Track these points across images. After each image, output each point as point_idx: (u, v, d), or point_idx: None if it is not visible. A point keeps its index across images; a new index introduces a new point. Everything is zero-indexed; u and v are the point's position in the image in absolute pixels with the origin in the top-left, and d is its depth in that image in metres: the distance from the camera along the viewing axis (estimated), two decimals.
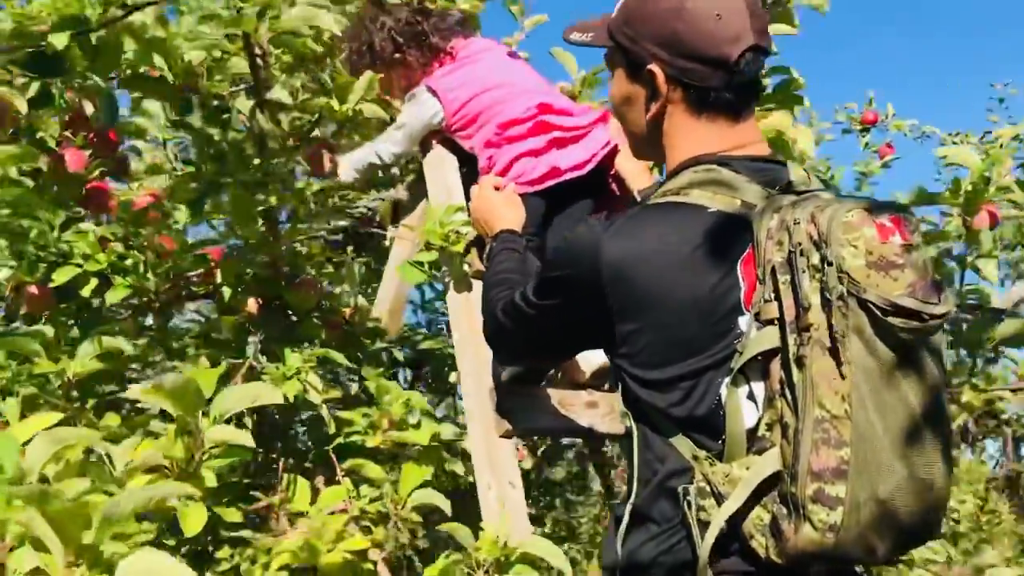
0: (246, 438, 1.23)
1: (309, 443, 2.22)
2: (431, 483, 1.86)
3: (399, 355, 2.42)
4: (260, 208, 1.77)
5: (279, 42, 1.55)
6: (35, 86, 1.47)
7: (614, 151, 2.12)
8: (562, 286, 1.27)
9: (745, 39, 1.22)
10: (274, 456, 1.96)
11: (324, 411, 1.85)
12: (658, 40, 1.25)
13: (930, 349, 1.07)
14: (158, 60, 1.49)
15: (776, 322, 1.08)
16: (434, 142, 2.33)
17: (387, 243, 2.53)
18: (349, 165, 2.17)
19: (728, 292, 1.14)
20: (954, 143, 4.70)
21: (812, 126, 4.64)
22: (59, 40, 1.24)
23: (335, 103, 1.72)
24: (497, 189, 1.80)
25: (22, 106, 1.47)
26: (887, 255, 1.04)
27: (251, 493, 1.80)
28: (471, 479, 1.97)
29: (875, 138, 4.96)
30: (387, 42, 2.14)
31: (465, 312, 2.04)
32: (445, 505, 1.80)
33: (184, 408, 1.20)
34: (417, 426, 1.89)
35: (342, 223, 3.01)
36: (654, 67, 1.26)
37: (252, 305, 2.13)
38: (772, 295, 1.09)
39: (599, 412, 2.00)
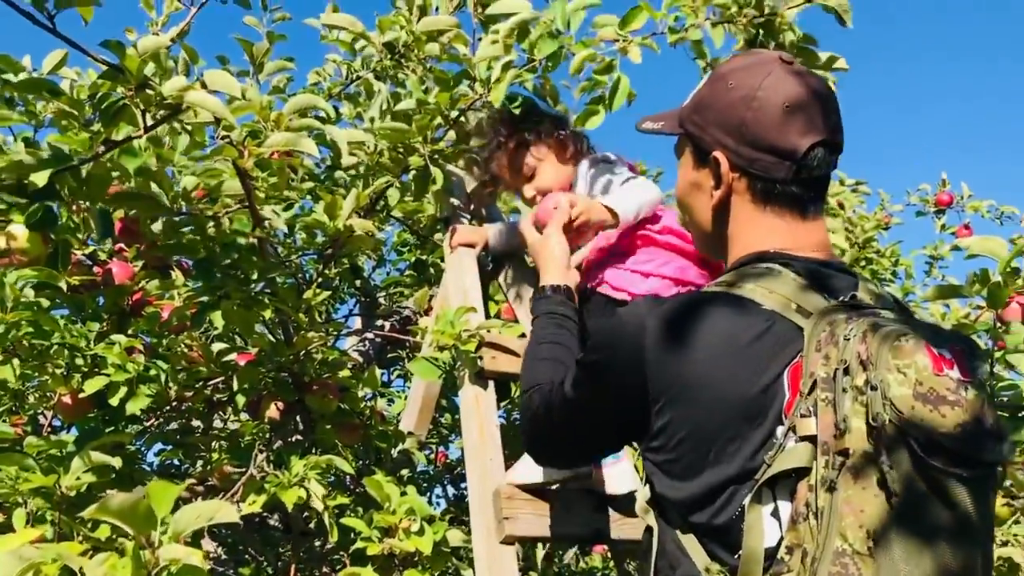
0: (197, 558, 1.26)
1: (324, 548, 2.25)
2: None
3: (421, 456, 2.44)
4: (268, 318, 1.84)
5: (266, 165, 1.63)
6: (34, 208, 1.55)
7: None
8: (602, 370, 1.23)
9: (815, 133, 1.21)
10: (299, 555, 1.99)
11: (327, 518, 1.88)
12: (725, 128, 1.26)
13: (976, 495, 0.98)
14: (153, 187, 1.59)
15: (810, 440, 1.02)
16: (454, 246, 2.38)
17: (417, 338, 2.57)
18: (627, 205, 1.98)
19: (773, 399, 1.08)
20: None
21: (882, 208, 4.53)
22: (39, 179, 1.34)
23: (325, 218, 1.79)
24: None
25: (19, 233, 1.57)
26: (938, 389, 0.96)
27: None
28: None
29: (952, 220, 4.80)
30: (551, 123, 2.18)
31: (476, 415, 2.05)
32: None
33: (135, 527, 1.23)
34: (420, 533, 1.90)
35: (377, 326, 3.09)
36: (719, 154, 1.26)
37: (273, 410, 2.19)
38: (811, 410, 1.03)
39: (606, 518, 1.96)
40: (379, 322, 3.17)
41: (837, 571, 0.94)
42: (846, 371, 1.01)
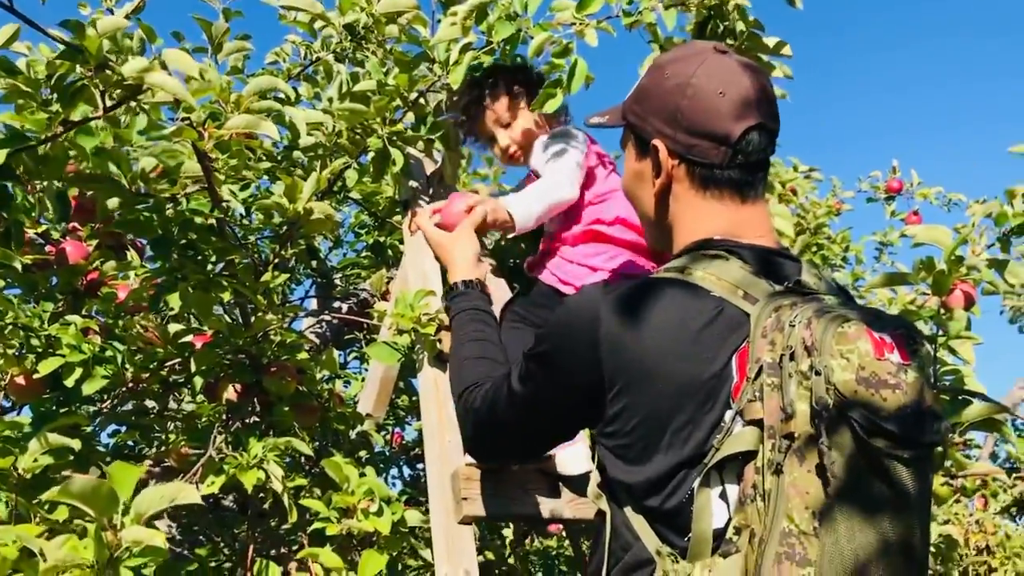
0: (160, 540, 1.26)
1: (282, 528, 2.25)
2: (393, 570, 1.88)
3: (378, 438, 2.45)
4: (226, 300, 1.84)
5: (226, 147, 1.62)
6: None
7: None
8: (554, 360, 1.24)
9: (750, 117, 1.24)
10: (255, 536, 2.00)
11: (286, 499, 1.89)
12: (663, 116, 1.28)
13: (916, 474, 1.00)
14: (111, 167, 1.58)
15: (757, 424, 1.04)
16: (413, 229, 2.39)
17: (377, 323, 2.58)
18: (528, 210, 1.99)
19: (723, 383, 1.10)
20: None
21: (834, 195, 4.61)
22: None
23: (284, 201, 1.79)
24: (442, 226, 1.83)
25: None
26: (879, 373, 0.99)
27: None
28: None
29: (902, 206, 4.91)
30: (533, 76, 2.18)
31: (435, 398, 2.06)
32: None
33: (97, 510, 1.24)
34: (379, 513, 1.91)
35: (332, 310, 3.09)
36: (658, 142, 1.29)
37: (231, 392, 2.18)
38: (757, 395, 1.05)
39: (563, 498, 1.99)
40: (336, 304, 3.17)
41: (784, 551, 0.97)
42: (791, 356, 1.03)
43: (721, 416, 1.10)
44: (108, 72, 1.42)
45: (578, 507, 2.00)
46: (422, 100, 2.33)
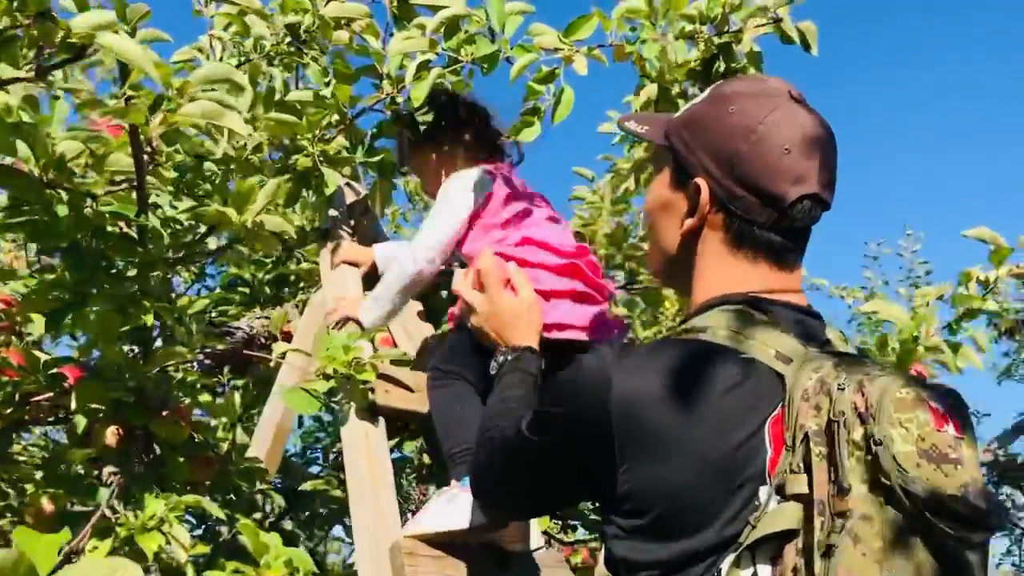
0: None
1: None
2: None
3: (277, 498, 2.14)
4: (129, 327, 1.51)
5: (172, 139, 1.34)
6: None
7: None
8: (563, 424, 1.09)
9: (808, 184, 1.10)
10: None
11: (189, 570, 1.56)
12: (715, 155, 1.13)
13: (982, 560, 0.93)
14: (22, 148, 1.25)
15: (799, 498, 0.93)
16: (337, 263, 2.13)
17: (272, 365, 2.27)
18: (371, 316, 1.99)
19: (754, 455, 0.98)
20: (841, 296, 4.79)
21: None
22: None
23: (231, 212, 1.49)
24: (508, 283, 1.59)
25: None
26: (940, 446, 0.90)
27: None
28: None
29: None
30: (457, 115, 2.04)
31: (365, 454, 1.79)
32: None
33: None
34: None
35: (218, 346, 2.73)
36: (702, 181, 1.14)
37: (111, 437, 1.82)
38: (801, 466, 0.94)
39: None
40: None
41: None
42: (843, 424, 0.93)
43: (755, 491, 0.98)
44: (50, 24, 1.12)
45: None
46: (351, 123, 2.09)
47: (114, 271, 1.45)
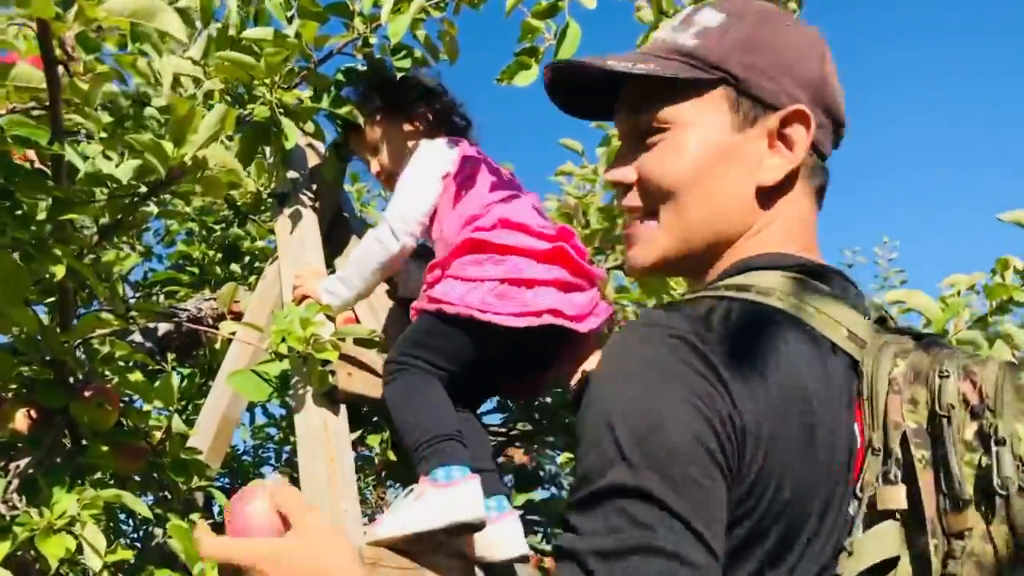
0: None
1: None
2: None
3: (221, 498, 1.86)
4: (42, 289, 1.24)
5: (92, 45, 1.08)
6: None
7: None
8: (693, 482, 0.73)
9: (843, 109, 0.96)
10: None
11: None
12: (803, 79, 0.92)
13: None
14: None
15: (893, 515, 0.75)
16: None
17: (218, 347, 2.00)
18: (341, 295, 1.74)
19: (849, 463, 0.78)
20: None
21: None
22: None
23: (168, 145, 1.22)
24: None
25: None
26: None
27: None
28: None
29: None
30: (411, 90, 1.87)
31: (324, 447, 1.53)
32: None
33: None
34: None
35: (162, 323, 2.45)
36: (804, 108, 0.90)
37: (21, 420, 1.55)
38: (898, 475, 0.76)
39: None
40: (148, 324, 2.51)
41: None
42: (949, 420, 0.77)
43: (846, 509, 0.79)
44: None
45: None
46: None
47: (20, 212, 1.18)
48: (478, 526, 1.44)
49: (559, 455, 2.45)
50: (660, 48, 0.95)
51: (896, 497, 0.76)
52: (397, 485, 2.74)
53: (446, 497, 1.41)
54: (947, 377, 0.78)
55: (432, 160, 1.78)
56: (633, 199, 0.96)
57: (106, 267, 1.30)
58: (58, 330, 1.44)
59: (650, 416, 0.72)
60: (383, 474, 2.43)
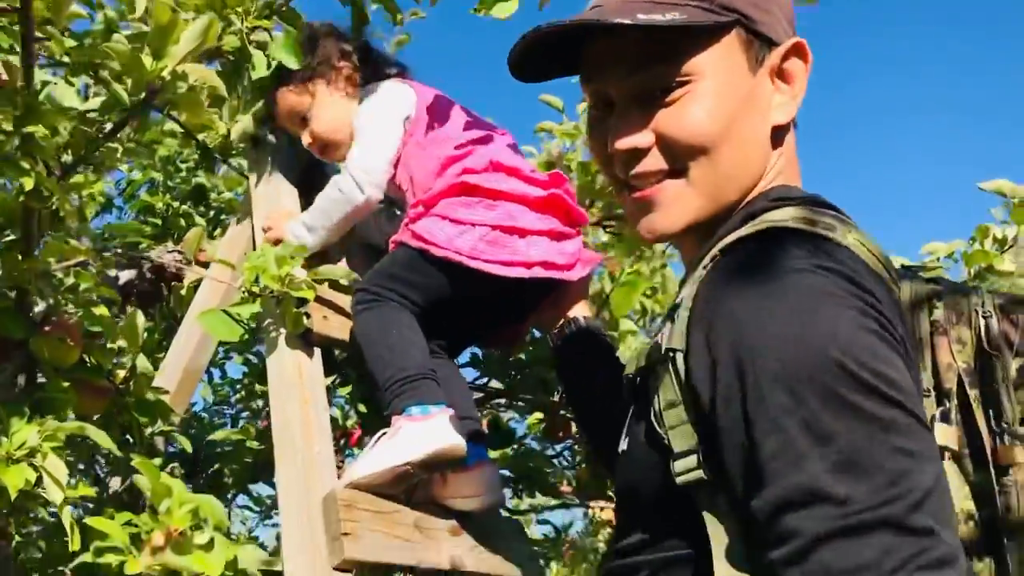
0: None
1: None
2: None
3: (184, 442, 1.80)
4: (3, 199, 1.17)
5: None
6: None
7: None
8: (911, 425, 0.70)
9: None
10: None
11: (66, 515, 1.22)
12: (787, 10, 0.92)
13: None
14: None
15: (951, 455, 0.79)
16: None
17: (183, 292, 1.93)
18: (306, 238, 1.65)
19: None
20: None
21: None
22: None
23: (146, 56, 1.15)
24: None
25: None
26: None
27: None
28: None
29: None
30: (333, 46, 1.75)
31: (297, 390, 1.48)
32: None
33: None
34: (208, 547, 1.29)
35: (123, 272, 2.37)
36: (802, 40, 0.90)
37: None
38: (946, 414, 0.80)
39: (464, 543, 1.47)
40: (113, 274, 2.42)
41: None
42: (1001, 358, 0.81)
43: None
44: None
45: (481, 557, 1.49)
46: None
47: None
48: (457, 457, 1.39)
49: (526, 418, 2.41)
50: None
51: (947, 437, 0.79)
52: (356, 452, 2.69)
53: (423, 428, 1.37)
54: (990, 317, 0.82)
55: (390, 102, 1.69)
56: (652, 163, 0.89)
57: (74, 187, 1.24)
58: (19, 257, 1.38)
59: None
60: (342, 442, 2.38)
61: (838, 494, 0.64)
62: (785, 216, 0.81)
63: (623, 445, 0.87)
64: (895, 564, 0.62)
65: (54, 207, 1.20)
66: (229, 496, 2.60)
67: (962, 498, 0.77)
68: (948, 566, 0.63)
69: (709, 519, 0.74)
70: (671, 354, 0.77)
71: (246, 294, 1.55)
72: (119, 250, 2.65)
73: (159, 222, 2.76)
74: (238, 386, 3.11)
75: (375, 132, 1.67)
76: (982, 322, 0.82)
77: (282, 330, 1.54)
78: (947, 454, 0.79)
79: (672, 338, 0.77)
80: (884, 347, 0.70)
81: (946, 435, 0.79)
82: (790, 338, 0.69)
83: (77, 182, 1.24)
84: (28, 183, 1.09)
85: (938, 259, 1.89)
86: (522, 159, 1.67)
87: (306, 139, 1.77)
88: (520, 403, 2.17)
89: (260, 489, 2.79)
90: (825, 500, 0.64)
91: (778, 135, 0.91)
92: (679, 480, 0.75)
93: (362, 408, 1.87)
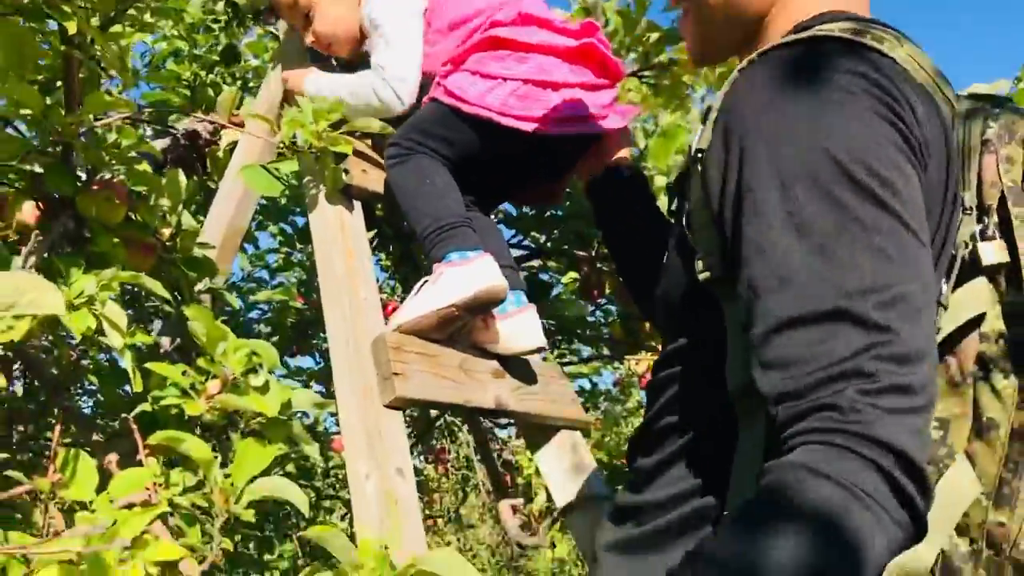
0: None
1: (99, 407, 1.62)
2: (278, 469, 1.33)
3: (232, 300, 1.84)
4: (46, 51, 1.17)
5: None
6: None
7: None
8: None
9: None
10: (49, 421, 1.36)
11: (128, 360, 1.27)
12: None
13: None
14: None
15: (991, 273, 0.79)
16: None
17: (221, 155, 1.95)
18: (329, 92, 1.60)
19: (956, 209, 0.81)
20: None
21: None
22: None
23: None
24: None
25: None
26: None
27: (5, 473, 1.21)
28: (329, 465, 1.46)
29: None
30: None
31: (341, 241, 1.51)
32: (300, 500, 1.26)
33: None
34: (263, 389, 1.34)
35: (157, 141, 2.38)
36: None
37: (28, 212, 1.51)
38: (996, 232, 0.79)
39: (507, 384, 1.52)
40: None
41: None
42: None
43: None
44: None
45: (524, 398, 1.54)
46: None
47: None
48: (500, 298, 1.42)
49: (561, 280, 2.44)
50: None
51: (995, 253, 0.79)
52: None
53: (465, 271, 1.40)
54: None
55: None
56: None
57: (114, 36, 1.23)
58: (62, 112, 1.39)
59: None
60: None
61: (803, 283, 0.67)
62: (832, 27, 0.81)
63: (665, 260, 0.91)
64: (846, 353, 0.65)
65: (95, 57, 1.20)
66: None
67: (993, 317, 0.78)
68: (906, 364, 0.65)
69: (729, 312, 0.79)
70: (699, 155, 0.80)
71: (285, 150, 1.56)
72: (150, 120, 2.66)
73: (187, 92, 2.75)
74: (274, 256, 3.17)
75: (402, 33, 1.62)
76: None
77: (322, 187, 1.56)
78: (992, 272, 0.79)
79: (700, 139, 0.80)
80: (894, 152, 0.72)
81: (995, 251, 0.79)
82: (797, 132, 0.72)
83: (117, 31, 1.23)
84: (72, 26, 1.09)
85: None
86: (547, 8, 1.64)
87: (308, 38, 1.73)
88: (554, 262, 2.20)
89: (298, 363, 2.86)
90: (788, 287, 0.68)
91: None
92: (700, 278, 0.79)
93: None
